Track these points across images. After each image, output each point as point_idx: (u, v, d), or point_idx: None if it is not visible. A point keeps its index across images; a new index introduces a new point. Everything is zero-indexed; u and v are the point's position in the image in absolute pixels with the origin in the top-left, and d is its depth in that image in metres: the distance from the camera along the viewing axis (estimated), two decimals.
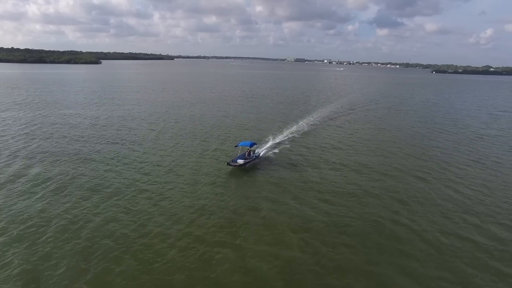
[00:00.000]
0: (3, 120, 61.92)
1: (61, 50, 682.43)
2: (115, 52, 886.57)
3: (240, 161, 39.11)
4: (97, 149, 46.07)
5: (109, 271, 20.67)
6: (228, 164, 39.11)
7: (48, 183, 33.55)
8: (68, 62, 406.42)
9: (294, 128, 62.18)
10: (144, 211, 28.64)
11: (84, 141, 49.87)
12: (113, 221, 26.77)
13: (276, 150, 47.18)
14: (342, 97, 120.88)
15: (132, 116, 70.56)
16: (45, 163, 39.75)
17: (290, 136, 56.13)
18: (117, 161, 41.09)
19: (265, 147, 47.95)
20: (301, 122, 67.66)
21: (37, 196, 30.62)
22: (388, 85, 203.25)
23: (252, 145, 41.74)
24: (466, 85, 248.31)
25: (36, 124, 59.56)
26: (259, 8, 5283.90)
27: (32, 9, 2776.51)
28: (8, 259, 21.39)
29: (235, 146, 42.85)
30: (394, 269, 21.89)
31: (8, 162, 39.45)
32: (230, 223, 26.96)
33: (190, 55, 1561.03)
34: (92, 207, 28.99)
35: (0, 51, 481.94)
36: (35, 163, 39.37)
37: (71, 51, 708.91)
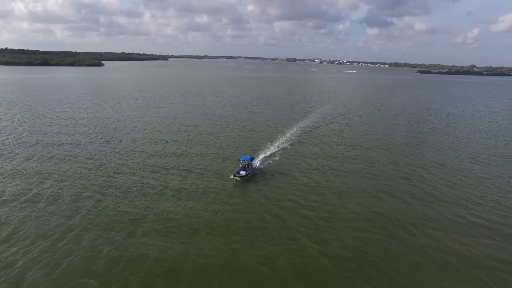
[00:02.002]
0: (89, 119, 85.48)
1: (57, 51, 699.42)
2: (108, 52, 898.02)
3: (242, 173, 47.36)
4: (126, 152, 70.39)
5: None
6: (233, 176, 47.29)
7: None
8: (72, 64, 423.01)
9: (285, 136, 73.41)
10: (165, 209, 37.85)
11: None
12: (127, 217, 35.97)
13: (270, 161, 56.39)
14: (335, 99, 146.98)
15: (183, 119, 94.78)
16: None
17: (282, 145, 65.98)
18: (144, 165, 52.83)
19: (259, 158, 57.23)
20: (292, 131, 79.63)
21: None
22: (373, 88, 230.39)
23: (251, 159, 50.73)
24: (444, 86, 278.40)
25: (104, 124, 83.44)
26: (250, 8, 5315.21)
27: (19, 7, 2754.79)
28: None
29: (238, 161, 51.83)
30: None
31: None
32: (237, 220, 36.50)
33: (181, 54, 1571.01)
34: (115, 202, 39.34)
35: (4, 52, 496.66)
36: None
37: (66, 51, 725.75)
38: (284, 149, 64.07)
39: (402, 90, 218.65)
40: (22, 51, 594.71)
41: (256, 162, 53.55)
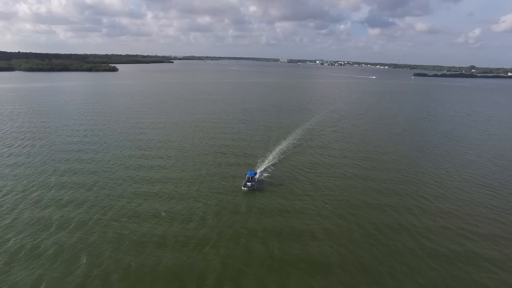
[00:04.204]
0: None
1: (67, 53, 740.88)
2: (114, 54, 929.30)
3: (249, 184, 61.36)
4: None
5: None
6: (243, 186, 61.36)
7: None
8: (89, 70, 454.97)
9: (287, 141, 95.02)
10: (177, 213, 50.49)
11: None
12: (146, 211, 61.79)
13: (273, 168, 72.52)
14: (332, 104, 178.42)
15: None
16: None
17: (282, 153, 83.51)
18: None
19: (268, 163, 74.09)
20: (293, 136, 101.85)
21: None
22: (366, 94, 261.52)
23: (254, 174, 64.99)
24: (431, 91, 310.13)
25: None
26: (252, 8, 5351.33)
27: (22, 8, 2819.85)
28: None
29: (246, 175, 65.11)
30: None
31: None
32: (245, 218, 49.77)
33: (183, 55, 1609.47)
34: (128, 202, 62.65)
35: (13, 55, 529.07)
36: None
37: (76, 54, 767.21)
38: (284, 157, 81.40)
39: (391, 96, 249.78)
40: (34, 55, 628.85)
41: (258, 175, 66.82)
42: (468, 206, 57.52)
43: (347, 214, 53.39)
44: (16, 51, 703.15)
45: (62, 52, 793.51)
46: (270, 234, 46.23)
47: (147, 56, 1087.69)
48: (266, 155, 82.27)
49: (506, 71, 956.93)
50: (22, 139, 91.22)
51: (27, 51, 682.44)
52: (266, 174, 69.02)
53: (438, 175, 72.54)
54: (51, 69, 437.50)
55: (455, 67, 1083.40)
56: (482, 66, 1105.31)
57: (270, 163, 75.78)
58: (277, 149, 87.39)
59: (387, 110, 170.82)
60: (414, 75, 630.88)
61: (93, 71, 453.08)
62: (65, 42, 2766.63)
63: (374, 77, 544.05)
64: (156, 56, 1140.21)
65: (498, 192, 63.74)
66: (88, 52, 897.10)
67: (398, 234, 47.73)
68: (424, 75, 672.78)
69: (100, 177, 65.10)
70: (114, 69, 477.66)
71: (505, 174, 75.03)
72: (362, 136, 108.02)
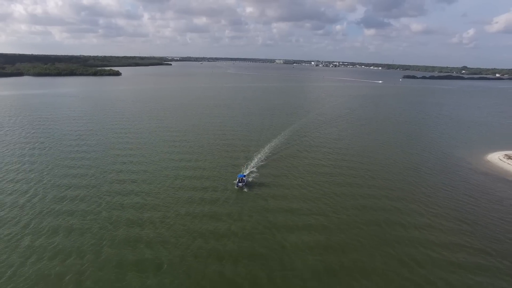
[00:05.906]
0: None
1: (68, 55, 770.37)
2: (112, 56, 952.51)
3: (240, 185, 76.57)
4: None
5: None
6: (236, 186, 76.65)
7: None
8: (95, 74, 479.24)
9: (277, 142, 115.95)
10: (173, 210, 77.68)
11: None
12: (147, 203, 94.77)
13: (258, 171, 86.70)
14: (319, 108, 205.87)
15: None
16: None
17: (270, 156, 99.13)
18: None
19: (248, 171, 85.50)
20: (282, 138, 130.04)
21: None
22: (353, 97, 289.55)
23: (244, 176, 79.68)
24: (413, 94, 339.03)
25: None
26: (249, 9, 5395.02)
27: (18, 9, 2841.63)
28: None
29: (237, 176, 79.97)
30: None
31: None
32: (236, 212, 65.29)
33: (179, 56, 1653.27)
34: (124, 198, 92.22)
35: (16, 59, 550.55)
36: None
37: (77, 56, 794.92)
38: (272, 158, 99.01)
39: (374, 100, 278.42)
40: (35, 58, 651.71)
41: (246, 178, 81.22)
42: (397, 176, 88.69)
43: (318, 183, 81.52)
44: (17, 53, 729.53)
45: (59, 53, 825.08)
46: (255, 221, 63.45)
47: (145, 58, 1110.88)
48: (258, 155, 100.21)
49: (495, 72, 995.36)
50: (83, 135, 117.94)
51: (23, 53, 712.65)
52: (254, 175, 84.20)
53: (385, 161, 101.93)
54: (58, 74, 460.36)
55: (448, 68, 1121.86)
56: (475, 67, 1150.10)
57: (259, 164, 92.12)
58: (267, 150, 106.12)
59: (365, 113, 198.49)
60: (402, 78, 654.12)
61: (98, 75, 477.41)
62: (61, 43, 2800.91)
63: (380, 81, 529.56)
64: (154, 58, 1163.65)
65: (420, 169, 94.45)
66: (84, 53, 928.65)
67: (342, 187, 77.17)
68: (413, 77, 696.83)
69: (149, 163, 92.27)
70: (118, 73, 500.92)
71: (432, 160, 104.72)
72: (338, 135, 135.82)
